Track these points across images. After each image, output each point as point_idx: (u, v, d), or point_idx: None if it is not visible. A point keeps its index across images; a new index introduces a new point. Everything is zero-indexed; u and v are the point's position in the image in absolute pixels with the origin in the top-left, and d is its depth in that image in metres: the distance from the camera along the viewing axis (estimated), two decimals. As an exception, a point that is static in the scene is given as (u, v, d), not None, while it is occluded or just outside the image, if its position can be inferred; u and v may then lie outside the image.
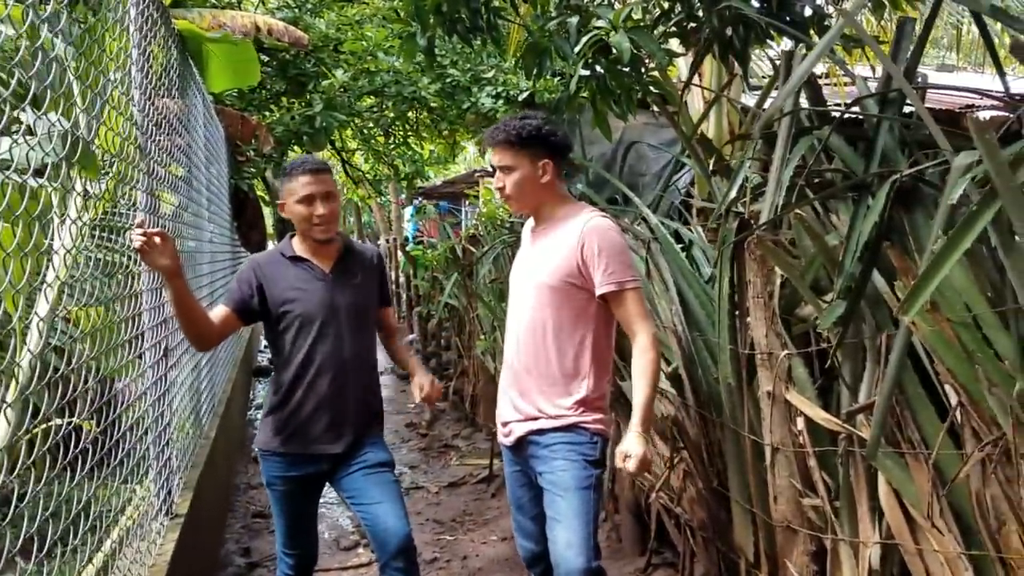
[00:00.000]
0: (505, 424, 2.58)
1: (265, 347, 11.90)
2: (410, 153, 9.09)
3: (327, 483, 2.80)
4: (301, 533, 2.80)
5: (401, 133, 9.16)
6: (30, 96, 1.65)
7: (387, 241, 16.65)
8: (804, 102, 2.71)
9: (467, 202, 17.72)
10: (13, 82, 1.53)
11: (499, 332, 5.48)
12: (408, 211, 18.79)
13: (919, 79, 2.34)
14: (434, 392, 2.79)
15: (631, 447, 2.34)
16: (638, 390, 2.36)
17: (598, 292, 2.35)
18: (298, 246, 2.72)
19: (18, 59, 1.62)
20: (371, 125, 8.81)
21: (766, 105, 3.59)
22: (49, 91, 1.79)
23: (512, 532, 4.64)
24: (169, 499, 3.02)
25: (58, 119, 1.81)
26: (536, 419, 2.46)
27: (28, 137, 1.68)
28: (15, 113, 1.61)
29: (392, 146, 9.20)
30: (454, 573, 4.29)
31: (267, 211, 8.94)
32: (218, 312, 2.62)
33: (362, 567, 4.38)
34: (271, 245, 9.06)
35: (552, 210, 2.47)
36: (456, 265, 6.89)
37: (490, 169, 10.40)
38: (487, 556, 4.45)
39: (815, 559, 2.48)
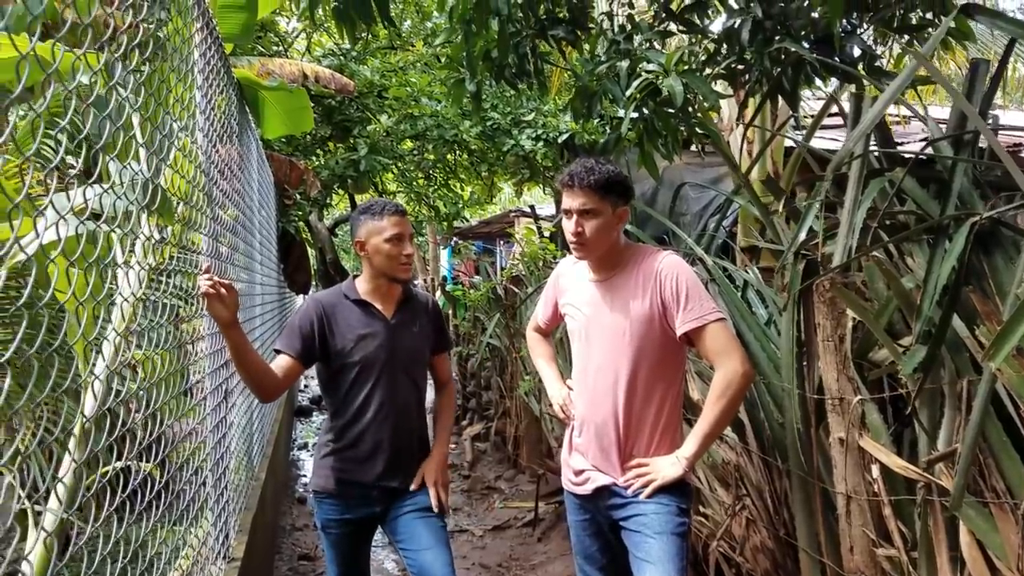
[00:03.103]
0: (579, 473, 2.49)
1: (305, 387, 11.96)
2: (451, 195, 9.19)
3: (379, 526, 2.79)
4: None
5: (441, 175, 9.28)
6: (119, 146, 1.69)
7: (424, 281, 16.75)
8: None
9: (502, 242, 17.80)
10: (106, 133, 1.57)
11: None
12: (446, 251, 18.91)
13: (990, 120, 2.32)
14: (443, 503, 2.70)
15: (665, 468, 2.30)
16: (703, 419, 2.29)
17: (680, 331, 2.27)
18: (362, 288, 2.72)
19: (107, 112, 1.66)
20: (412, 168, 8.94)
21: (812, 144, 3.58)
22: (133, 141, 1.83)
23: (561, 578, 4.62)
24: (227, 542, 3.03)
25: (140, 169, 1.86)
26: (624, 469, 2.39)
27: (115, 186, 1.72)
28: (105, 162, 1.65)
29: (433, 188, 9.31)
30: (503, 620, 4.22)
31: (311, 252, 9.05)
32: (280, 362, 2.58)
33: (409, 612, 4.33)
34: (313, 287, 9.17)
35: (618, 256, 2.40)
36: (499, 305, 6.89)
37: (527, 209, 10.45)
38: (536, 603, 4.39)
39: (890, 611, 2.41)
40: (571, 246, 2.39)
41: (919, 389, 2.06)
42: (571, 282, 2.57)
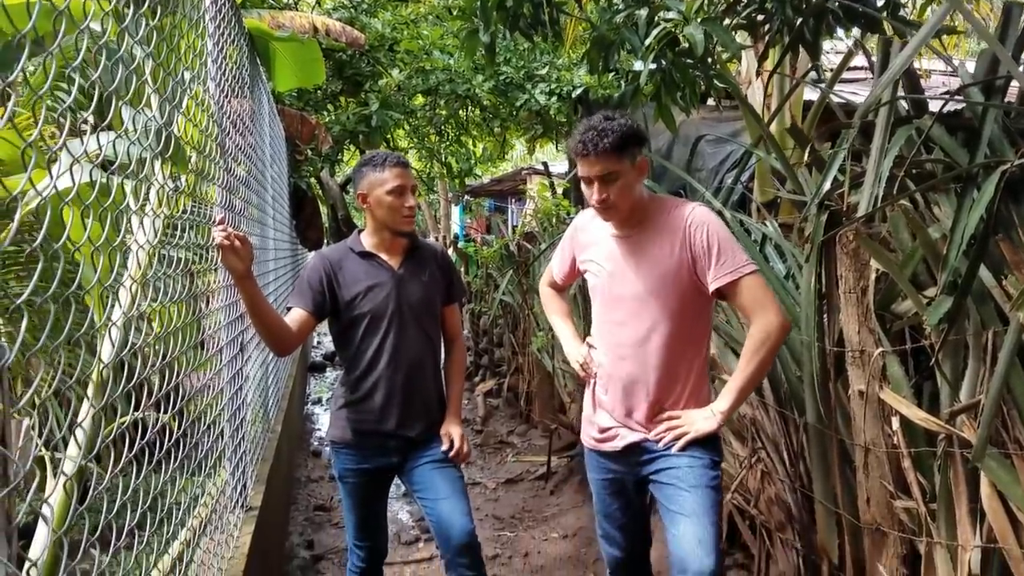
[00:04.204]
0: (606, 430, 2.43)
1: (318, 343, 12.02)
2: (463, 151, 9.11)
3: (396, 476, 2.81)
4: (372, 525, 2.82)
5: (453, 132, 9.19)
6: (131, 92, 1.66)
7: (436, 239, 16.74)
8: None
9: (514, 200, 17.73)
10: (118, 79, 1.54)
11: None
12: (457, 209, 18.85)
13: (1023, 65, 2.25)
14: (462, 453, 2.72)
15: (698, 422, 2.25)
16: (739, 373, 2.23)
17: (713, 286, 2.19)
18: (367, 241, 2.72)
19: (118, 56, 1.63)
20: (424, 123, 8.86)
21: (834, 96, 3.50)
22: (146, 87, 1.80)
23: (572, 531, 4.67)
24: (244, 492, 3.06)
25: (153, 116, 1.83)
26: (653, 424, 2.33)
27: (128, 133, 1.69)
28: (117, 108, 1.62)
29: (445, 144, 9.23)
30: (516, 570, 4.28)
31: (322, 209, 9.03)
32: (294, 316, 2.60)
33: (424, 561, 4.40)
34: (325, 244, 9.16)
35: (643, 211, 2.29)
36: (512, 262, 6.87)
37: (540, 167, 10.36)
38: (549, 554, 4.43)
39: (905, 563, 2.41)
40: (597, 212, 2.30)
41: (943, 340, 2.03)
42: (591, 237, 2.47)
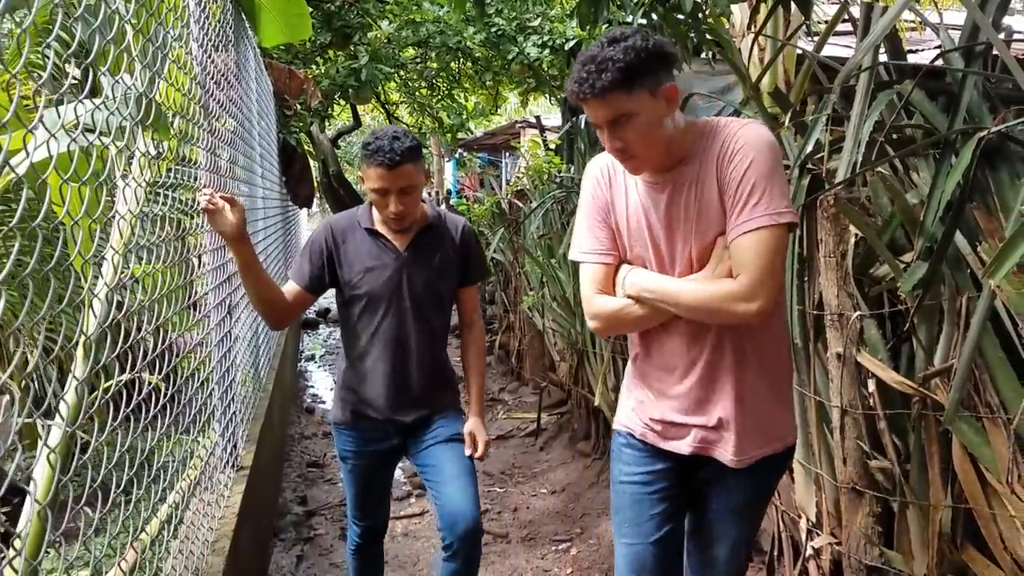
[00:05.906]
0: (671, 424, 1.89)
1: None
2: (455, 105, 9.02)
3: (404, 456, 2.72)
4: (371, 504, 2.76)
5: (445, 85, 9.10)
6: (111, 59, 1.65)
7: (430, 195, 16.65)
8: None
9: (507, 154, 17.62)
10: (96, 47, 1.53)
11: (548, 288, 5.47)
12: (450, 164, 18.71)
13: (1004, 31, 2.24)
14: (481, 451, 2.60)
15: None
16: (673, 283, 1.80)
17: (732, 235, 1.67)
18: (376, 217, 2.56)
19: (97, 25, 1.62)
20: (415, 77, 8.76)
21: (823, 53, 3.48)
22: (115, 49, 1.79)
23: (561, 486, 4.74)
24: (235, 452, 3.10)
25: (134, 84, 1.82)
26: (743, 435, 1.81)
27: (107, 101, 1.69)
28: (97, 77, 1.61)
29: (436, 98, 9.14)
30: (505, 524, 4.36)
31: (313, 165, 8.96)
32: (290, 289, 2.50)
33: (415, 516, 4.48)
34: (316, 201, 9.12)
35: (680, 145, 1.75)
36: (503, 220, 6.86)
37: (533, 120, 10.27)
38: (537, 508, 4.52)
39: (879, 521, 2.48)
40: (620, 164, 1.80)
41: (918, 305, 2.06)
42: (617, 189, 1.88)
